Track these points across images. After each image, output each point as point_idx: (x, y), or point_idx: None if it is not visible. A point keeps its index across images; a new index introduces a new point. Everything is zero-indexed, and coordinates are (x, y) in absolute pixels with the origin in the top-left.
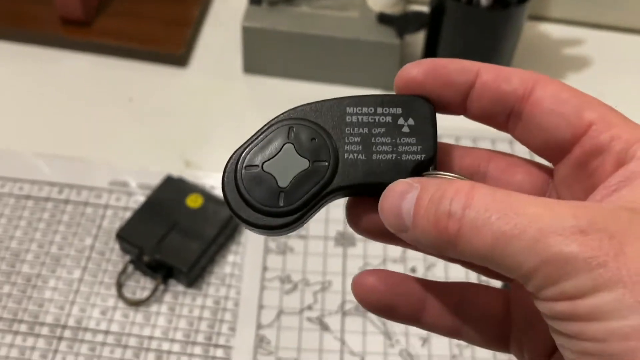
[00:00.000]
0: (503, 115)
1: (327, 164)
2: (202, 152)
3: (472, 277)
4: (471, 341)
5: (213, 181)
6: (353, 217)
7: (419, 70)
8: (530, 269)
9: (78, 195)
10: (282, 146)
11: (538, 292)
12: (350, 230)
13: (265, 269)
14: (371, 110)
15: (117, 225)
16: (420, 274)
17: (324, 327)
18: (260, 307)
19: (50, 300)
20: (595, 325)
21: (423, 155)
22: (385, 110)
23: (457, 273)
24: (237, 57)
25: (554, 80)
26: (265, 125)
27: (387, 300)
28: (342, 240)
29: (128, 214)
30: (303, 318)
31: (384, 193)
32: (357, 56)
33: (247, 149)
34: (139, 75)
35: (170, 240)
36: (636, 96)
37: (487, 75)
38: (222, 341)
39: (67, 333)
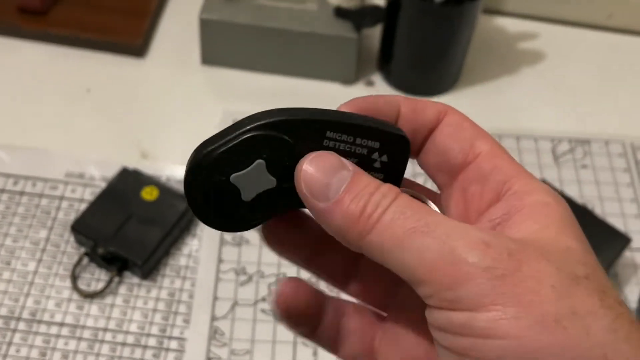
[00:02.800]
0: (418, 143)
1: (293, 186)
2: (159, 143)
3: None
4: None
5: (169, 173)
6: (272, 230)
7: (352, 109)
8: (430, 268)
9: (33, 186)
10: (254, 161)
11: (433, 297)
12: None
13: (220, 260)
14: (350, 139)
15: (73, 217)
16: None
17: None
18: (215, 298)
19: (4, 292)
20: (490, 343)
21: None
22: (364, 142)
23: None
24: (195, 49)
25: (460, 112)
26: (239, 123)
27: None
28: None
29: (83, 206)
30: (257, 310)
31: (311, 157)
32: (314, 49)
33: (215, 149)
34: (96, 65)
35: (125, 232)
36: (588, 89)
37: (405, 108)
38: (176, 333)
39: (22, 325)
